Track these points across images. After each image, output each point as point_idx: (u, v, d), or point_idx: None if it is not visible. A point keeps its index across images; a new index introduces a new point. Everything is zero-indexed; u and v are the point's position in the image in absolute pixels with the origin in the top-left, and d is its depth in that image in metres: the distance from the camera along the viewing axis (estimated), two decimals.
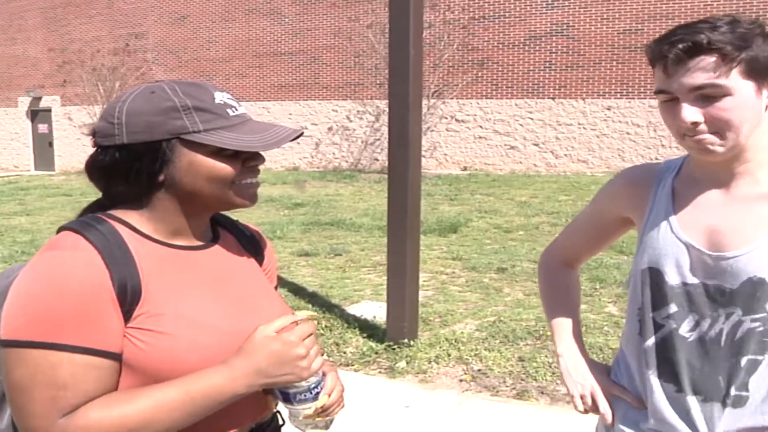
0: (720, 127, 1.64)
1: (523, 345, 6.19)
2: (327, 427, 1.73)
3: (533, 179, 20.12)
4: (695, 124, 1.64)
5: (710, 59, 1.60)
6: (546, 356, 5.87)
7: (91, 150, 1.59)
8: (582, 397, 2.03)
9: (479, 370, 5.77)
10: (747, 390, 1.74)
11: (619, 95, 20.70)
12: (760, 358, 1.72)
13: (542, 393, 5.31)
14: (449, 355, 6.03)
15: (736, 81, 1.61)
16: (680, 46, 1.61)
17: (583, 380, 2.04)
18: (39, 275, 1.40)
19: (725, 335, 1.74)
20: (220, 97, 1.58)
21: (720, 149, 1.67)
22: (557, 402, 5.18)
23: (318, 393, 1.62)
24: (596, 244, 2.20)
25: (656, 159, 19.58)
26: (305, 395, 1.61)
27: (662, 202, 1.88)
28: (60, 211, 16.14)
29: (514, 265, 9.41)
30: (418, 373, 5.78)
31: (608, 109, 20.95)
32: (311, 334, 1.58)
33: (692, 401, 1.80)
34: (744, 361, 1.73)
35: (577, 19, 21.14)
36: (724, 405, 1.76)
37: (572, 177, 20.27)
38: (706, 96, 1.62)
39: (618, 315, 7.03)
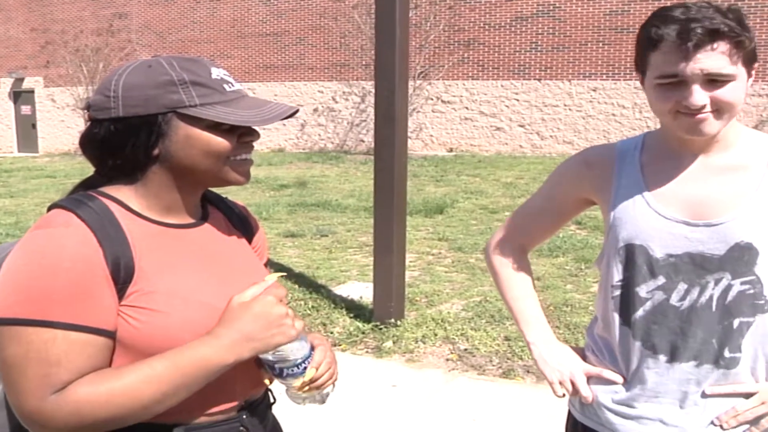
0: (720, 108, 1.69)
1: (509, 324, 6.21)
2: (323, 400, 1.74)
3: (519, 160, 20.15)
4: (703, 106, 1.68)
5: (726, 47, 1.64)
6: None
7: (74, 131, 1.58)
8: (561, 383, 2.04)
9: (465, 349, 5.80)
10: (740, 351, 1.80)
11: (605, 77, 20.72)
12: (751, 319, 1.79)
13: (528, 372, 5.34)
14: (436, 335, 6.05)
15: (739, 68, 1.68)
16: (700, 31, 1.63)
17: (559, 365, 2.05)
18: (32, 252, 1.40)
19: (716, 300, 1.79)
20: (216, 72, 1.58)
21: (714, 128, 1.72)
22: (543, 381, 5.20)
23: (305, 368, 1.63)
24: (553, 227, 2.22)
25: None
26: (293, 370, 1.61)
27: (631, 178, 1.91)
28: (44, 193, 16.07)
29: None
30: (404, 352, 5.80)
31: (594, 90, 20.98)
32: (284, 296, 1.59)
33: (687, 367, 1.84)
34: (736, 323, 1.79)
35: (563, 0, 21.12)
36: (718, 366, 1.82)
37: (558, 158, 20.29)
38: (714, 80, 1.67)
39: None
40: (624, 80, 20.46)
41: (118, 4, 28.32)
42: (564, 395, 2.06)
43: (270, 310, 1.53)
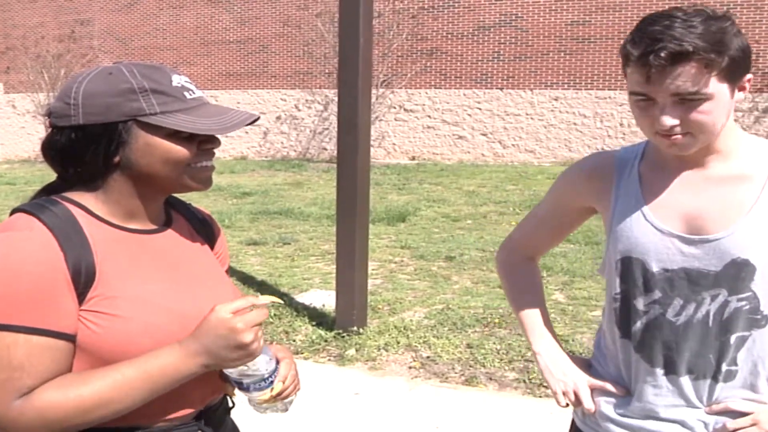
0: (695, 129, 1.65)
1: (471, 332, 6.24)
2: (286, 409, 1.75)
3: (481, 169, 20.21)
4: (673, 127, 1.65)
5: (693, 68, 1.59)
6: (494, 343, 5.92)
7: (35, 138, 1.58)
8: (564, 393, 2.03)
9: (428, 357, 5.81)
10: (736, 364, 1.79)
11: (566, 86, 20.87)
12: (747, 334, 1.77)
13: (490, 379, 5.36)
14: (398, 343, 6.06)
15: (714, 86, 1.62)
16: (663, 54, 1.58)
17: (564, 376, 2.05)
18: None
19: (713, 316, 1.77)
20: (177, 80, 1.59)
21: (691, 148, 1.70)
22: (505, 388, 5.23)
23: (272, 381, 1.64)
24: (558, 235, 2.20)
25: (602, 149, 19.76)
26: (259, 384, 1.62)
27: (630, 189, 1.88)
28: (3, 200, 15.84)
29: (462, 253, 9.45)
30: (367, 360, 5.80)
31: (556, 99, 21.13)
32: (262, 321, 1.57)
33: (683, 381, 1.83)
34: (733, 338, 1.77)
35: (525, 10, 21.26)
36: (716, 381, 1.81)
37: (519, 167, 20.39)
38: (686, 100, 1.63)
39: (564, 302, 7.12)
40: (585, 90, 20.63)
41: (80, 11, 28.02)
42: (567, 405, 2.05)
43: (234, 337, 1.51)
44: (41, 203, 1.53)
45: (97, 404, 1.42)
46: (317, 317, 6.71)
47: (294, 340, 6.23)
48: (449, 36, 22.30)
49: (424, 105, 22.88)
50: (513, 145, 21.80)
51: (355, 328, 6.25)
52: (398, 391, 5.26)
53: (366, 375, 5.56)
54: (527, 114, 21.53)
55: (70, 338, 1.45)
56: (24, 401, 1.39)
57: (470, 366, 5.61)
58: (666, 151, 1.75)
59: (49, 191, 1.63)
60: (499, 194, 15.17)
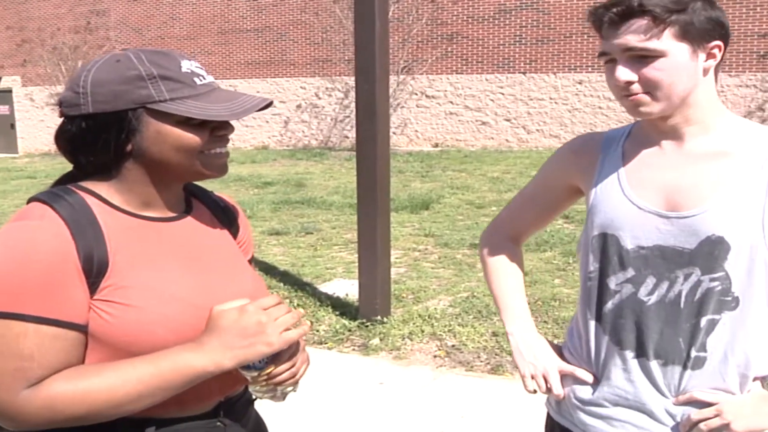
0: (651, 87, 1.69)
1: (496, 320, 6.17)
2: (283, 398, 1.70)
3: (505, 155, 20.14)
4: (628, 83, 1.70)
5: (642, 22, 1.65)
6: None
7: (54, 130, 1.61)
8: (533, 377, 2.02)
9: (453, 345, 5.75)
10: (705, 350, 1.76)
11: (590, 69, 20.71)
12: (717, 317, 1.74)
13: (516, 367, 5.28)
14: (423, 332, 6.00)
15: (668, 43, 1.66)
16: (613, 10, 1.67)
17: (534, 360, 2.03)
18: (4, 245, 1.39)
19: (684, 296, 1.75)
20: (187, 65, 1.56)
21: (652, 108, 1.72)
22: None
23: (266, 362, 1.58)
24: (543, 217, 2.19)
25: None
26: (253, 362, 1.56)
27: (611, 165, 1.89)
28: (24, 194, 15.95)
29: None
30: (392, 349, 5.74)
31: (580, 83, 20.97)
32: (276, 305, 1.53)
33: (653, 366, 1.81)
34: (703, 321, 1.74)
35: None
36: (684, 368, 1.78)
37: (544, 152, 20.30)
38: (640, 57, 1.68)
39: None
40: None
41: (95, 1, 28.08)
42: (535, 391, 2.03)
43: (250, 319, 1.49)
44: (56, 192, 1.52)
45: (105, 398, 1.41)
46: (341, 307, 6.67)
47: (318, 330, 6.19)
48: (469, 20, 22.18)
49: (446, 91, 22.80)
50: (537, 130, 21.69)
51: (379, 318, 6.20)
52: (423, 380, 5.21)
53: (390, 364, 5.51)
54: (551, 98, 21.40)
55: (80, 328, 1.44)
56: (32, 391, 1.39)
57: (496, 354, 5.54)
58: (632, 114, 1.77)
59: (67, 180, 1.63)
60: (523, 180, 15.09)
